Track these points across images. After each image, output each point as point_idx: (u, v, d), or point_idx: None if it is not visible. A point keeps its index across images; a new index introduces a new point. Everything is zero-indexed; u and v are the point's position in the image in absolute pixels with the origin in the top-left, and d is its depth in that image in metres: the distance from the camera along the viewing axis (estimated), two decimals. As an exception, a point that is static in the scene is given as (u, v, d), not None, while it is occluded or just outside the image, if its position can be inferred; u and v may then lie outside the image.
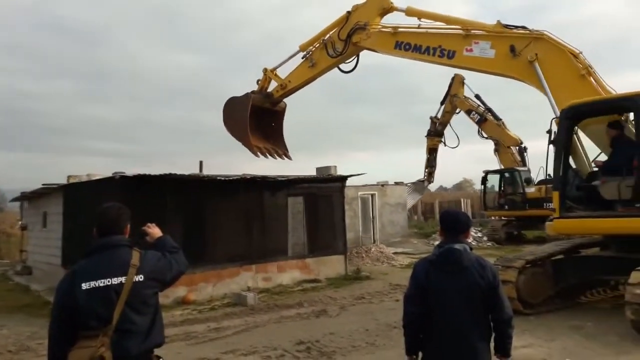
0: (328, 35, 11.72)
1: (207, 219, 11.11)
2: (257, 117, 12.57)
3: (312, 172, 14.95)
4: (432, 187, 31.13)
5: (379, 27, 11.03)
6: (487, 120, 21.30)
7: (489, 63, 9.30)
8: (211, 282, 10.87)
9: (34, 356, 6.97)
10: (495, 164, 21.63)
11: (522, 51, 8.72)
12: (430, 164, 24.64)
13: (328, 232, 13.26)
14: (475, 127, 21.69)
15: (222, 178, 11.22)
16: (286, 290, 11.29)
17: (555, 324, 7.30)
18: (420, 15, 10.36)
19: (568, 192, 7.99)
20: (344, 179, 13.86)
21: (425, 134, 23.98)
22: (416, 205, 30.71)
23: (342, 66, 11.81)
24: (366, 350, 6.61)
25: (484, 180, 21.70)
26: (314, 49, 11.95)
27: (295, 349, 6.74)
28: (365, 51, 11.44)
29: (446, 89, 22.58)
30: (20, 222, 19.97)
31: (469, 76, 21.46)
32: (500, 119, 21.35)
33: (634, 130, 7.50)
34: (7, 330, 8.57)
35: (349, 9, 11.41)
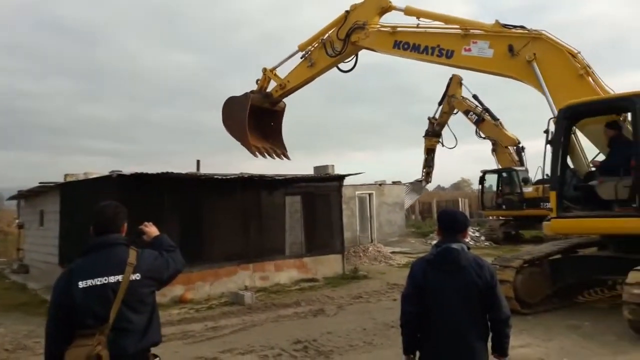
0: (327, 35, 11.71)
1: (205, 217, 11.09)
2: (256, 117, 12.56)
3: (310, 172, 14.94)
4: (430, 186, 31.17)
5: (378, 26, 11.03)
6: (484, 121, 21.33)
7: (487, 62, 9.30)
8: (208, 281, 10.85)
9: (31, 355, 6.95)
10: (493, 164, 21.69)
11: (521, 51, 8.72)
12: (428, 164, 24.71)
13: (325, 231, 13.25)
14: (473, 127, 21.74)
15: (220, 177, 11.20)
16: (284, 290, 11.29)
17: (552, 324, 7.31)
18: (418, 14, 10.35)
19: (565, 192, 8.01)
20: (341, 178, 13.86)
21: (423, 134, 24.05)
22: (414, 205, 30.74)
23: (341, 66, 11.81)
24: (363, 350, 6.61)
25: (482, 180, 21.72)
26: (312, 48, 11.94)
27: (292, 348, 6.73)
28: (364, 50, 11.43)
29: (444, 88, 22.64)
30: (17, 221, 19.91)
31: (467, 76, 21.54)
32: (498, 119, 21.39)
33: (631, 131, 7.50)
34: (4, 328, 8.53)
35: (348, 9, 11.41)
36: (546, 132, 8.11)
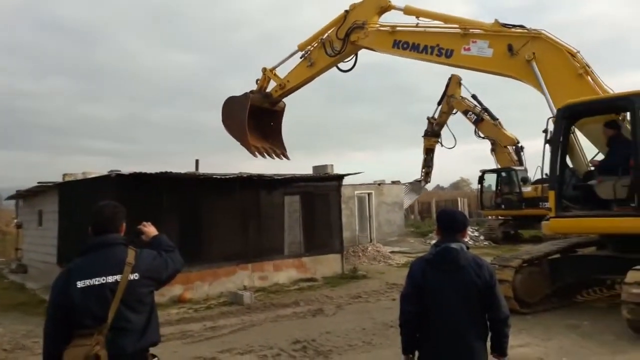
0: (326, 35, 11.71)
1: (203, 217, 11.08)
2: (256, 117, 12.55)
3: (310, 171, 14.94)
4: (429, 186, 31.18)
5: (377, 26, 11.02)
6: (483, 120, 21.36)
7: (487, 62, 9.30)
8: (207, 280, 10.84)
9: (30, 355, 6.93)
10: (492, 164, 21.71)
11: (520, 50, 8.72)
12: (427, 164, 24.74)
13: (324, 231, 13.25)
14: (472, 127, 21.77)
15: (219, 177, 11.19)
16: (282, 289, 11.29)
17: (551, 323, 7.32)
18: (418, 14, 10.35)
19: (564, 191, 8.01)
20: (340, 177, 13.85)
21: (422, 134, 24.07)
22: (413, 205, 30.75)
23: (340, 65, 11.81)
24: (362, 349, 6.60)
25: (481, 180, 21.76)
26: (312, 48, 11.94)
27: (291, 348, 6.73)
28: (363, 50, 11.43)
29: (443, 88, 22.65)
30: (15, 220, 19.89)
31: (466, 75, 21.56)
32: (497, 119, 21.43)
33: (630, 130, 7.50)
34: (2, 328, 8.52)
35: (347, 8, 11.40)
36: (545, 131, 8.10)
